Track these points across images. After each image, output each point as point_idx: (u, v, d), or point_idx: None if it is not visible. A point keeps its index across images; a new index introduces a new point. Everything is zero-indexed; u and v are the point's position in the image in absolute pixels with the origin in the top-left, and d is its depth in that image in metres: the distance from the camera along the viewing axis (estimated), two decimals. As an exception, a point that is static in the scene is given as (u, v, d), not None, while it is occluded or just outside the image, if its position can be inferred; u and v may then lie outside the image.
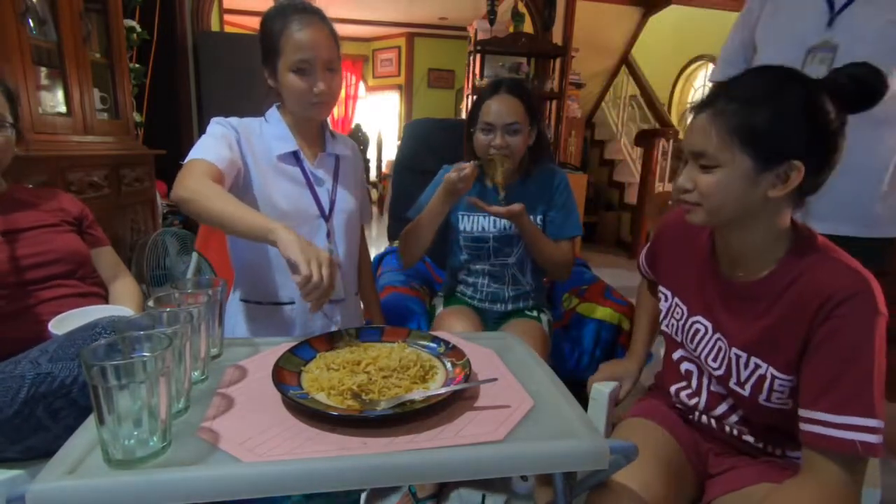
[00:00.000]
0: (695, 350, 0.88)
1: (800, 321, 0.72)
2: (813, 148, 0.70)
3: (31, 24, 1.84)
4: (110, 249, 1.22)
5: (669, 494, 0.79)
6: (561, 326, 1.54)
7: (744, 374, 0.80)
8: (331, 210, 1.15)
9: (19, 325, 0.97)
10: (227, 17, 4.44)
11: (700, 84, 5.96)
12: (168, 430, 0.58)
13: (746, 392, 0.79)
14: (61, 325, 0.92)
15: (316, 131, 1.18)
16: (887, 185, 1.13)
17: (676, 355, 0.93)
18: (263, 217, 0.88)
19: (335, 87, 1.08)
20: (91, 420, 0.61)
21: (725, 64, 1.38)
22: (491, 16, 4.07)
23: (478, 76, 4.14)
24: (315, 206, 1.13)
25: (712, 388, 0.87)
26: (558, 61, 4.16)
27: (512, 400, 0.72)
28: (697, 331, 0.87)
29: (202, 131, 1.06)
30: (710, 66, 5.69)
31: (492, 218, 1.36)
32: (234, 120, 1.09)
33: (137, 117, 2.75)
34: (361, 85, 7.96)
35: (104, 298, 1.14)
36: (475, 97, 1.38)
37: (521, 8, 4.15)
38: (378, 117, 7.87)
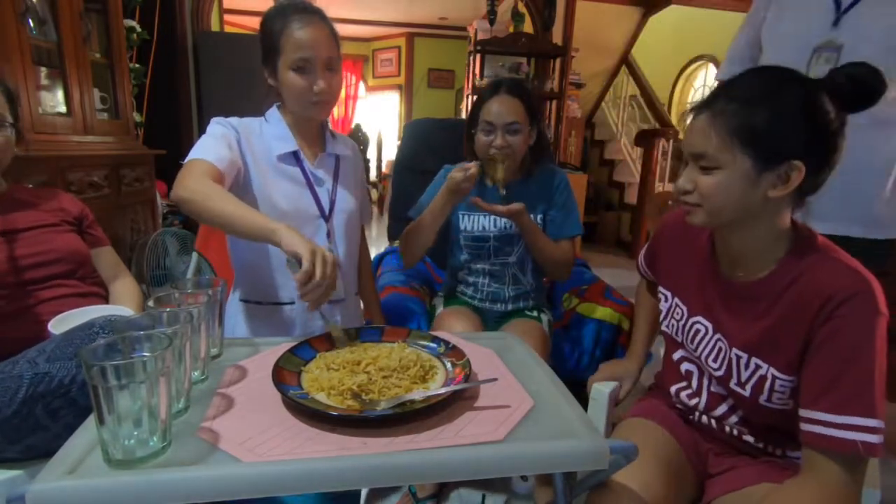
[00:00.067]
0: (695, 350, 0.88)
1: (800, 321, 0.72)
2: (813, 148, 0.71)
3: (31, 24, 1.83)
4: (110, 249, 1.22)
5: (669, 494, 0.79)
6: (561, 326, 1.54)
7: (744, 375, 0.80)
8: (331, 210, 1.15)
9: (19, 325, 0.97)
10: (227, 17, 4.44)
11: (700, 84, 5.97)
12: (168, 430, 0.58)
13: (747, 392, 0.79)
14: (61, 325, 0.91)
15: (316, 131, 1.18)
16: (890, 186, 1.13)
17: (677, 356, 0.93)
18: (265, 217, 0.88)
19: (335, 86, 1.08)
20: (91, 420, 0.61)
21: (731, 63, 1.38)
22: (491, 16, 4.07)
23: (478, 76, 4.14)
24: (315, 206, 1.13)
25: (712, 388, 0.87)
26: (558, 61, 4.16)
27: (512, 400, 0.72)
28: (698, 331, 0.87)
29: (202, 131, 1.06)
30: (711, 66, 5.69)
31: (492, 217, 1.36)
32: (234, 120, 1.09)
33: (137, 117, 2.75)
34: (361, 85, 7.96)
35: (104, 298, 1.14)
36: (475, 97, 1.38)
37: (521, 8, 4.15)
38: (378, 117, 7.87)
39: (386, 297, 1.54)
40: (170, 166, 1.43)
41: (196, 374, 0.74)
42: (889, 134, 1.11)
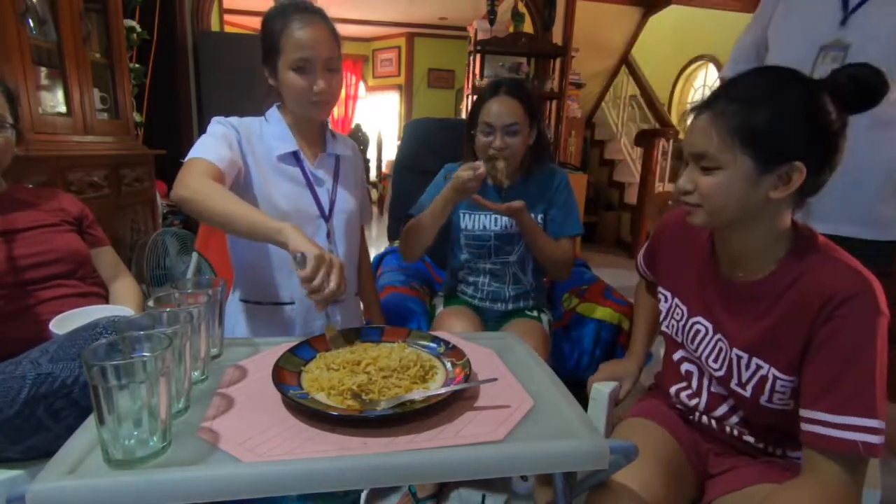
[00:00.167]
0: (695, 351, 0.88)
1: (801, 321, 0.72)
2: (814, 148, 0.70)
3: (31, 24, 1.83)
4: (110, 249, 1.22)
5: (669, 494, 0.79)
6: (561, 326, 1.54)
7: (745, 375, 0.80)
8: (331, 210, 1.15)
9: (19, 325, 0.97)
10: (227, 17, 4.44)
11: (700, 84, 5.96)
12: (168, 430, 0.58)
13: (748, 393, 0.79)
14: (62, 324, 0.91)
15: (316, 131, 1.18)
16: (891, 187, 1.13)
17: (677, 356, 0.93)
18: (268, 217, 0.87)
19: (335, 86, 1.08)
20: (91, 420, 0.61)
21: (736, 63, 1.38)
22: (491, 16, 4.07)
23: (478, 76, 4.15)
24: (315, 206, 1.13)
25: (713, 388, 0.87)
26: (558, 61, 4.16)
27: (512, 400, 0.72)
28: (698, 332, 0.87)
29: (202, 131, 1.06)
30: (711, 66, 5.69)
31: (493, 216, 1.36)
32: (234, 119, 1.09)
33: (137, 117, 2.75)
34: (361, 85, 7.96)
35: (104, 298, 1.14)
36: (475, 97, 1.38)
37: (521, 8, 4.15)
38: (378, 117, 7.87)
39: (386, 297, 1.55)
40: (170, 166, 1.43)
41: (196, 374, 0.74)
42: (891, 135, 1.11)
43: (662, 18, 4.76)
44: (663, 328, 0.96)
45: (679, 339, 0.91)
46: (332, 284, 0.80)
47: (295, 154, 1.12)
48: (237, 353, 0.86)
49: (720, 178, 0.73)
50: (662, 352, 0.99)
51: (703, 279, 0.87)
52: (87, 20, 2.05)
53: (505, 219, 1.35)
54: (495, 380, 0.75)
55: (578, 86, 4.68)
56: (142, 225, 2.47)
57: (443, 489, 1.36)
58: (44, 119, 1.86)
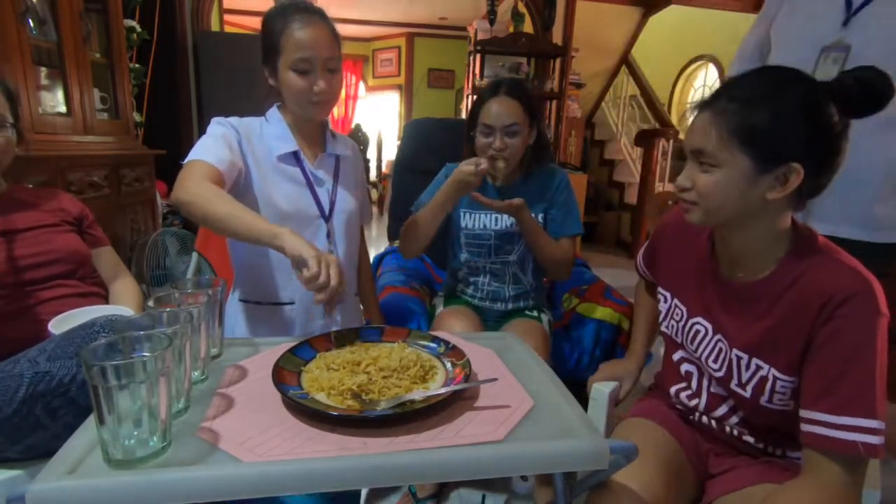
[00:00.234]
0: (695, 351, 0.88)
1: (801, 322, 0.72)
2: (812, 150, 0.70)
3: (31, 24, 1.84)
4: (110, 249, 1.22)
5: (669, 494, 0.79)
6: (561, 326, 1.54)
7: (745, 376, 0.80)
8: (331, 210, 1.15)
9: (19, 325, 0.97)
10: (227, 17, 4.44)
11: (700, 84, 5.96)
12: (168, 430, 0.58)
13: (748, 393, 0.79)
14: (61, 325, 0.91)
15: (316, 131, 1.18)
16: (892, 188, 1.13)
17: (676, 356, 0.93)
18: (266, 221, 0.88)
19: (335, 86, 1.08)
20: (91, 420, 0.61)
21: (740, 62, 1.38)
22: (491, 16, 4.07)
23: (478, 76, 4.14)
24: (315, 206, 1.13)
25: (713, 389, 0.87)
26: (558, 61, 4.16)
27: (512, 400, 0.72)
28: (698, 332, 0.87)
29: (202, 131, 1.06)
30: (711, 66, 5.69)
31: (494, 215, 1.36)
32: (234, 120, 1.09)
33: (137, 117, 2.75)
34: (361, 85, 7.96)
35: (104, 298, 1.14)
36: (475, 98, 1.38)
37: (521, 8, 4.15)
38: (378, 117, 7.87)
39: (386, 297, 1.55)
40: (170, 166, 1.43)
41: (196, 374, 0.74)
42: (892, 135, 1.11)
43: (662, 18, 4.76)
44: (663, 328, 0.96)
45: (679, 340, 0.91)
46: (334, 281, 0.80)
47: (295, 154, 1.12)
48: (237, 353, 0.86)
49: (718, 176, 0.73)
50: (662, 352, 0.99)
51: (702, 279, 0.87)
52: (87, 20, 2.05)
53: (505, 218, 1.35)
54: (495, 380, 0.75)
55: (578, 86, 4.68)
56: (142, 225, 2.47)
57: (443, 489, 1.36)
58: (44, 119, 1.86)
